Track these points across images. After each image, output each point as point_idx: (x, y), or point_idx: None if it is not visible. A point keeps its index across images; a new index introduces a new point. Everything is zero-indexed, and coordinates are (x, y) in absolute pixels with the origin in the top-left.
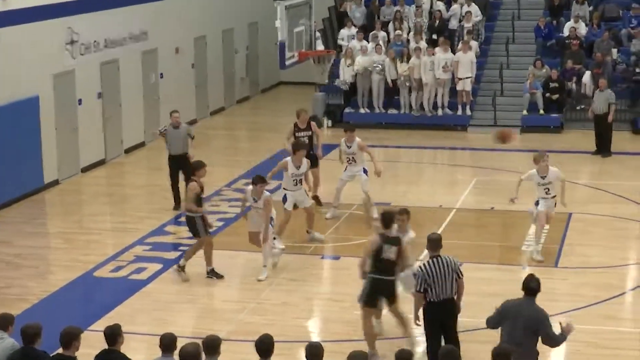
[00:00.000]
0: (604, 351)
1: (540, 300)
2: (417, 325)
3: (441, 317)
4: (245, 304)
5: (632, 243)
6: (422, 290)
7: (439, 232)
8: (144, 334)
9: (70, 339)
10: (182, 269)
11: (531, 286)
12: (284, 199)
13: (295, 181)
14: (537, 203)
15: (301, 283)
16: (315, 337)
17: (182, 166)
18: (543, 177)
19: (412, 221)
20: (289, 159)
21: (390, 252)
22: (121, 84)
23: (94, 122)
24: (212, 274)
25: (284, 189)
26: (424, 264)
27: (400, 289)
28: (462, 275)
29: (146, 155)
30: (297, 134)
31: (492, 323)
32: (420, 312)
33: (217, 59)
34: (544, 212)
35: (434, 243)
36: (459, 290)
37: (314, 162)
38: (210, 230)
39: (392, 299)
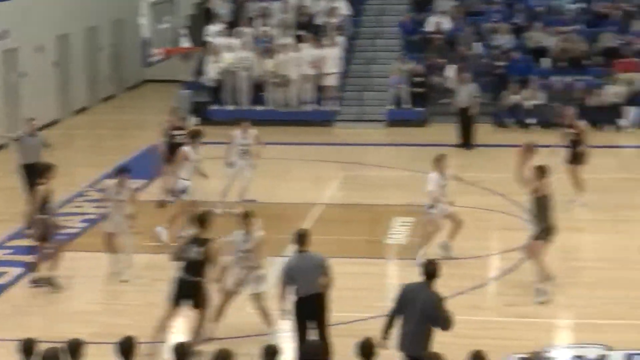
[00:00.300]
0: (468, 341)
1: None
2: (285, 319)
3: (309, 312)
4: (108, 305)
5: (495, 233)
6: (284, 284)
7: (306, 227)
8: (5, 340)
9: None
10: (40, 282)
11: (428, 270)
12: (183, 190)
13: (194, 169)
14: (431, 207)
15: (166, 283)
16: (181, 337)
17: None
18: (444, 178)
19: (281, 217)
20: (187, 148)
21: (192, 252)
22: None
23: None
24: (47, 282)
25: (183, 179)
26: (289, 258)
27: (251, 290)
28: (328, 270)
29: (5, 157)
30: (173, 132)
31: (394, 311)
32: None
33: (80, 57)
34: (440, 217)
35: (301, 238)
36: (325, 286)
37: None
38: (59, 232)
39: (195, 301)
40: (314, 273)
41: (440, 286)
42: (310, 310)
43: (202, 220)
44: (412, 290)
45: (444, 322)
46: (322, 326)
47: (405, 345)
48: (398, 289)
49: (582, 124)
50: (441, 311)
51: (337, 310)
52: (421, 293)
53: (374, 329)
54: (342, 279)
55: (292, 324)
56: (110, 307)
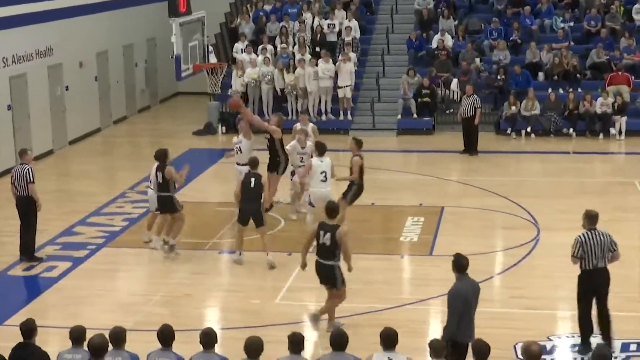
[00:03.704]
0: (476, 330)
1: (416, 286)
2: None
3: (595, 284)
4: (150, 296)
5: (498, 232)
6: (577, 256)
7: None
8: (57, 327)
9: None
10: None
11: (464, 263)
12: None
13: None
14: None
15: (202, 276)
16: (214, 325)
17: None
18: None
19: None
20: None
21: (324, 239)
22: (29, 96)
23: (5, 132)
24: None
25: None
26: (582, 234)
27: None
28: (616, 247)
29: (54, 162)
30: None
31: (456, 318)
32: None
33: (118, 72)
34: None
35: (592, 218)
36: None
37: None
38: None
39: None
40: (602, 249)
41: (448, 280)
42: (596, 282)
43: (330, 210)
44: (466, 289)
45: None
46: (604, 299)
47: None
48: (453, 293)
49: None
50: None
51: (355, 301)
52: (474, 285)
53: (389, 319)
54: (359, 273)
55: (577, 294)
56: (153, 298)
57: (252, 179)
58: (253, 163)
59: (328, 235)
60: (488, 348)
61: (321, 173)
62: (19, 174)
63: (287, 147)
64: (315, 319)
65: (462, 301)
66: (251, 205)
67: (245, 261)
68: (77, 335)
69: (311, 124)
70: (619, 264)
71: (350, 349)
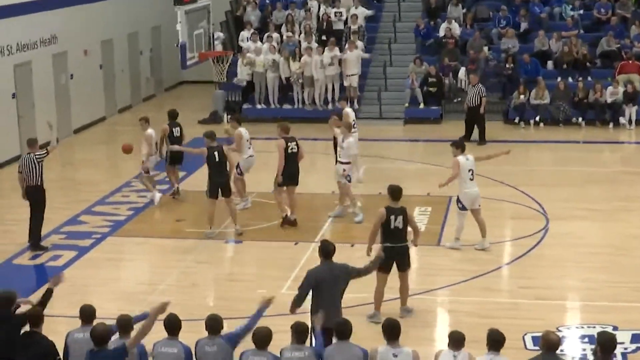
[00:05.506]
0: (484, 320)
1: (424, 275)
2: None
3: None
4: (155, 286)
5: (507, 222)
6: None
7: (333, 216)
8: (62, 316)
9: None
10: None
11: (330, 249)
12: None
13: None
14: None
15: (207, 265)
16: (220, 314)
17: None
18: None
19: (309, 207)
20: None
21: (397, 223)
22: (34, 85)
23: (9, 120)
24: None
25: None
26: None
27: None
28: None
29: (59, 151)
30: None
31: (304, 293)
32: None
33: (123, 60)
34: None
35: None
36: None
37: None
38: None
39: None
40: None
41: (456, 270)
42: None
43: (394, 192)
44: (320, 273)
45: (362, 272)
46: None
47: None
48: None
49: None
50: (354, 269)
51: (362, 291)
52: (334, 271)
53: (396, 310)
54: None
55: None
56: (158, 287)
57: (215, 152)
58: (208, 135)
59: (400, 218)
60: (503, 338)
61: (469, 171)
62: (27, 163)
63: None
64: (407, 310)
65: (312, 283)
66: (221, 178)
67: (252, 251)
68: (87, 314)
69: (345, 109)
70: (625, 252)
71: (356, 339)
